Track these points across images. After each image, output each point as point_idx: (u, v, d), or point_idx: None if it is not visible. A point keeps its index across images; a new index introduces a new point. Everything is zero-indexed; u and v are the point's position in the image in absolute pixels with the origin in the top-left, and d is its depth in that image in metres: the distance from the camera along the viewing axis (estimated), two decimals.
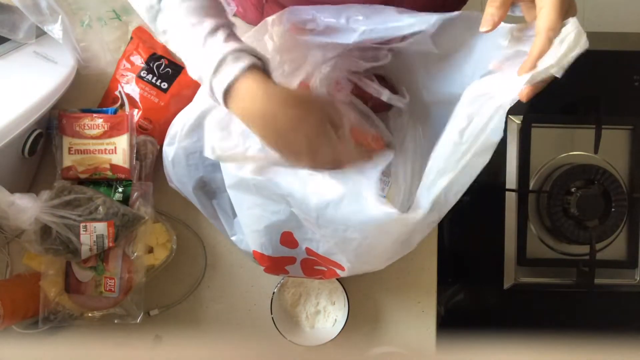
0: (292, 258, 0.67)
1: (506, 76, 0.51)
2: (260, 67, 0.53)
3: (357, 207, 0.54)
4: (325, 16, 0.62)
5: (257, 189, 0.59)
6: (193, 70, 0.54)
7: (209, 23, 0.52)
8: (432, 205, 0.54)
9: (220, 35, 0.52)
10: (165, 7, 0.53)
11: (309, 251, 0.65)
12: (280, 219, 0.62)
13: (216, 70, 0.51)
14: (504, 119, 0.50)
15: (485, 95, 0.51)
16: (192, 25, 0.52)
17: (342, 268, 0.65)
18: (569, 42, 0.46)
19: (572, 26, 0.47)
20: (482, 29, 0.49)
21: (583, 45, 0.47)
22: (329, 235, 0.59)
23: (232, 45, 0.52)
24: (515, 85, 0.48)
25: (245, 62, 0.51)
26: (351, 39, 0.61)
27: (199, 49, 0.52)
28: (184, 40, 0.54)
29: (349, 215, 0.55)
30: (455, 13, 0.59)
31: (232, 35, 0.54)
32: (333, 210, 0.55)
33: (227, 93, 0.52)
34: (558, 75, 0.47)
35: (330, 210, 0.55)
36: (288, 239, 0.64)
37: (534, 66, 0.47)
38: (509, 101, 0.49)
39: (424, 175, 0.56)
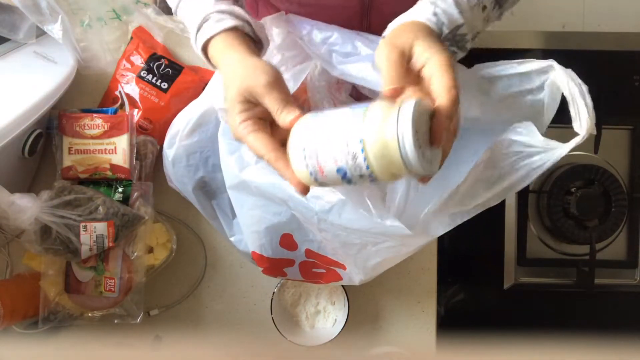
0: (291, 260, 0.67)
1: (545, 142, 0.51)
2: (240, 29, 0.57)
3: (360, 214, 0.55)
4: (318, 36, 0.63)
5: (258, 191, 0.59)
6: (187, 22, 0.60)
7: None
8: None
9: None
10: None
11: (308, 253, 0.65)
12: (281, 220, 0.62)
13: (199, 27, 0.57)
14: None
15: (523, 151, 0.51)
16: None
17: (342, 267, 0.65)
18: (580, 96, 0.48)
19: (563, 76, 0.49)
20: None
21: (584, 90, 0.50)
22: (329, 239, 0.60)
23: (219, 6, 0.57)
24: (561, 149, 0.50)
25: (224, 25, 0.56)
26: (332, 71, 0.62)
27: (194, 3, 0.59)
28: None
29: (351, 222, 0.55)
30: None
31: None
32: (336, 215, 0.55)
33: (204, 50, 0.58)
34: (594, 133, 0.50)
35: (332, 215, 0.55)
36: (288, 241, 0.64)
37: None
38: (548, 164, 0.50)
39: (445, 199, 0.56)
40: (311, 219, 0.57)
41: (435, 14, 0.51)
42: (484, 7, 0.55)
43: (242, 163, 0.60)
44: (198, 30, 0.57)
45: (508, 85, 0.58)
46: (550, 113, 0.57)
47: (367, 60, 0.60)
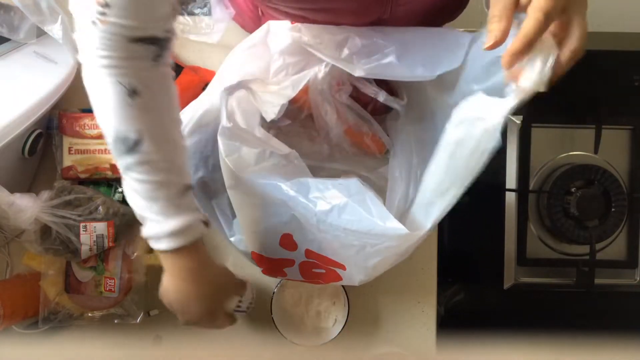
0: (290, 260, 0.67)
1: (491, 100, 0.50)
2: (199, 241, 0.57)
3: (360, 216, 0.55)
4: (333, 40, 0.63)
5: (257, 191, 0.59)
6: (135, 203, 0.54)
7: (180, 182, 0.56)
8: (432, 225, 0.56)
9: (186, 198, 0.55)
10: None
11: (308, 253, 0.65)
12: (281, 220, 0.62)
13: (169, 233, 0.54)
14: (494, 140, 0.49)
15: (473, 117, 0.50)
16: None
17: (342, 267, 0.65)
18: (543, 54, 0.47)
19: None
20: (485, 46, 0.46)
21: (551, 47, 0.47)
22: (329, 240, 0.60)
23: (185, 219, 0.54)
24: (503, 107, 0.48)
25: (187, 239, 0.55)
26: (355, 72, 0.62)
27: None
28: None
29: (351, 223, 0.55)
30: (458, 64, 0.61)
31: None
32: (335, 215, 0.55)
33: (165, 252, 0.55)
34: (543, 90, 0.47)
35: (332, 216, 0.55)
36: (288, 241, 0.64)
37: (518, 50, 0.45)
38: (497, 124, 0.48)
39: (419, 193, 0.57)
40: (310, 220, 0.57)
41: None
42: None
43: (242, 164, 0.60)
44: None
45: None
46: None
47: (392, 54, 0.62)
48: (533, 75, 0.46)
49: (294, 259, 0.67)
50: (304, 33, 0.64)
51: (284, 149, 0.67)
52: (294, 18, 0.65)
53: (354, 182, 0.59)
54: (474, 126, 0.50)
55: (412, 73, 0.64)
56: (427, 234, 0.56)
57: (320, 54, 0.64)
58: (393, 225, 0.54)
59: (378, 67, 0.62)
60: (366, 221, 0.55)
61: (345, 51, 0.63)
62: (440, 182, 0.54)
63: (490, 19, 0.46)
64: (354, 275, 0.65)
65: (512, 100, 0.47)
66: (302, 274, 0.70)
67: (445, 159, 0.53)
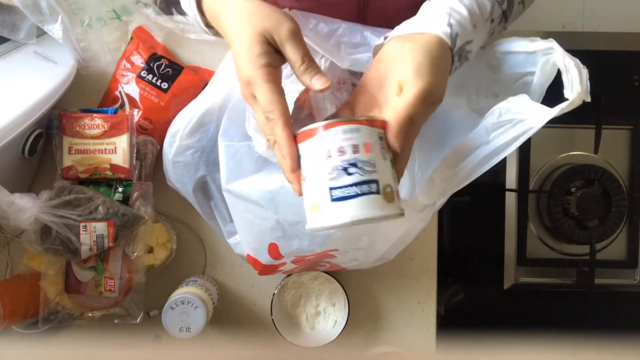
0: (283, 264, 0.67)
1: (534, 105, 0.52)
2: None
3: None
4: (324, 29, 0.63)
5: (249, 191, 0.59)
6: None
7: None
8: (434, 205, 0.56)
9: None
10: None
11: (296, 260, 0.65)
12: (267, 226, 0.61)
13: None
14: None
15: (517, 118, 0.51)
16: None
17: (334, 257, 0.64)
18: (575, 67, 0.48)
19: (560, 52, 0.50)
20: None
21: (581, 66, 0.50)
22: (320, 236, 0.59)
23: None
24: (546, 114, 0.49)
25: None
26: (342, 63, 0.62)
27: None
28: None
29: None
30: None
31: None
32: None
33: (199, 6, 0.54)
34: (588, 100, 0.50)
35: None
36: (275, 252, 0.64)
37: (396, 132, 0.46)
38: (537, 127, 0.50)
39: (432, 180, 0.56)
40: (302, 208, 0.57)
41: (450, 25, 0.50)
42: (492, 20, 0.54)
43: (242, 166, 0.60)
44: None
45: (514, 65, 0.59)
46: (541, 89, 0.58)
47: None
48: (576, 87, 0.48)
49: (286, 262, 0.67)
50: (300, 20, 0.64)
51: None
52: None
53: None
54: (514, 127, 0.51)
55: None
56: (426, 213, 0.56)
57: (312, 42, 0.63)
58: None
59: (363, 58, 0.61)
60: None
61: (333, 40, 0.62)
62: (460, 169, 0.54)
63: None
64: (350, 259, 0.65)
65: (558, 109, 0.49)
66: (298, 270, 0.70)
67: (474, 147, 0.53)
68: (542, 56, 0.56)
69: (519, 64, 0.58)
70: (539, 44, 0.55)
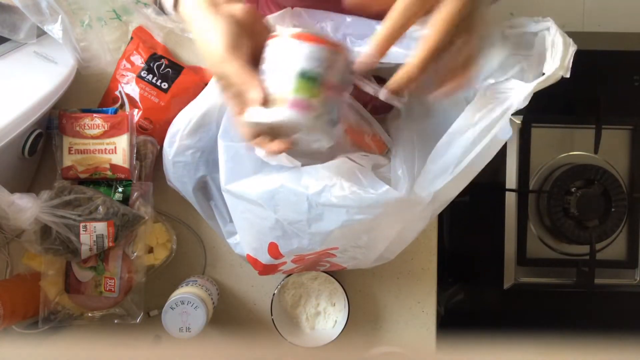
0: (283, 263, 0.67)
1: (514, 82, 0.53)
2: None
3: (351, 189, 0.55)
4: (330, 24, 0.63)
5: (249, 191, 0.59)
6: None
7: None
8: (433, 197, 0.57)
9: None
10: None
11: (297, 259, 0.65)
12: (267, 225, 0.61)
13: None
14: (508, 120, 0.52)
15: (495, 98, 0.52)
16: None
17: (333, 255, 0.64)
18: (562, 43, 0.48)
19: (553, 30, 0.49)
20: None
21: (570, 42, 0.50)
22: (319, 241, 0.59)
23: None
24: (524, 89, 0.50)
25: None
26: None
27: None
28: None
29: (345, 200, 0.55)
30: None
31: None
32: (327, 194, 0.55)
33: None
34: (567, 76, 0.49)
35: (324, 196, 0.55)
36: (274, 251, 0.64)
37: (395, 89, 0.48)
38: (517, 103, 0.51)
39: (426, 170, 0.57)
40: (300, 208, 0.57)
41: None
42: None
43: (241, 167, 0.60)
44: None
45: (516, 46, 0.59)
46: (538, 70, 0.58)
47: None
48: (556, 62, 0.48)
49: (286, 262, 0.67)
50: (305, 18, 0.64)
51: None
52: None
53: (342, 160, 0.59)
54: (496, 106, 0.52)
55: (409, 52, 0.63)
56: (426, 207, 0.57)
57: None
58: (385, 188, 0.55)
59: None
60: (360, 191, 0.55)
61: (339, 34, 0.62)
62: (452, 155, 0.55)
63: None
64: (350, 258, 0.65)
65: (534, 83, 0.50)
66: (298, 270, 0.70)
67: (461, 132, 0.54)
68: (538, 35, 0.56)
69: (521, 45, 0.59)
70: (540, 25, 0.56)
